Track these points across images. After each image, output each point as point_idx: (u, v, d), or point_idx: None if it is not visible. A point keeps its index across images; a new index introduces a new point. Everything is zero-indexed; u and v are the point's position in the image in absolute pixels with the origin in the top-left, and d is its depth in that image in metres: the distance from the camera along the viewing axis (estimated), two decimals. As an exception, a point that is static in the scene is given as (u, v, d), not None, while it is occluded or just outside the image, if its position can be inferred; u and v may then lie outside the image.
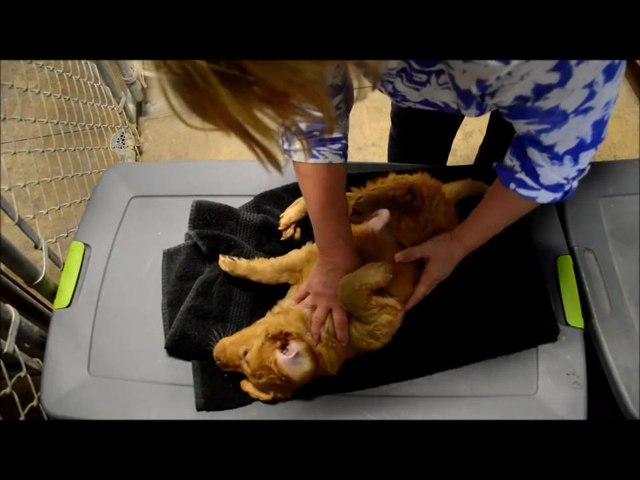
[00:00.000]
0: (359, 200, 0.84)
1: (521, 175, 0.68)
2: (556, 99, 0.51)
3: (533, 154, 0.64)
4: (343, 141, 0.80)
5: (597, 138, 0.60)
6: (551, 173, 0.65)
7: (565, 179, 0.66)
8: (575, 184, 0.69)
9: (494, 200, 0.76)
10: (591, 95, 0.52)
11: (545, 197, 0.69)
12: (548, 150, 0.61)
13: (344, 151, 0.81)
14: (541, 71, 0.48)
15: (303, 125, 0.77)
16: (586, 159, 0.63)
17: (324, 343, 0.82)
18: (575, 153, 0.61)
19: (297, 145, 0.78)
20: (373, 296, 0.81)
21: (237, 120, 0.38)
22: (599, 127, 0.58)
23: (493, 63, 0.49)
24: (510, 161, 0.69)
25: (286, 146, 0.80)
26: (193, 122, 0.39)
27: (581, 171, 0.66)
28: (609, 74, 0.50)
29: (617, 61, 0.50)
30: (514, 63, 0.48)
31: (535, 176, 0.66)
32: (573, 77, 0.48)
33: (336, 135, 0.79)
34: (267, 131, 0.40)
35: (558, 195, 0.69)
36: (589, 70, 0.48)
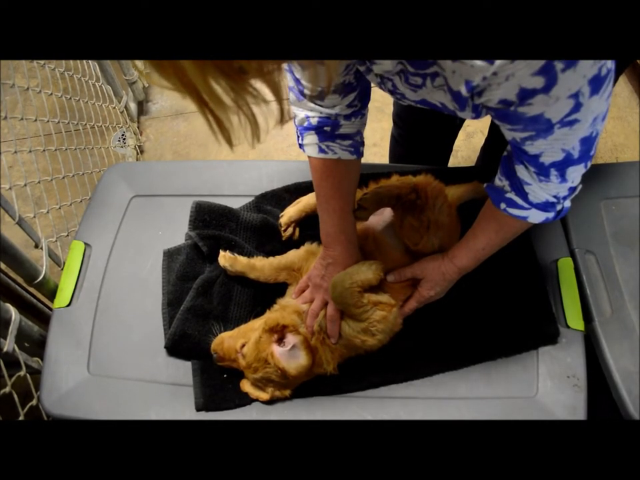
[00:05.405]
0: (365, 195, 0.84)
1: (511, 195, 0.68)
2: (540, 105, 0.51)
3: (521, 172, 0.64)
4: (356, 138, 0.80)
5: (585, 154, 0.59)
6: (539, 190, 0.65)
7: (555, 197, 0.66)
8: (567, 203, 0.69)
9: (486, 221, 0.76)
10: (577, 107, 0.51)
11: (536, 216, 0.69)
12: (534, 161, 0.61)
13: (356, 148, 0.80)
14: (526, 72, 0.47)
15: (310, 117, 0.77)
16: (574, 175, 0.63)
17: (316, 337, 0.83)
18: (561, 167, 0.60)
19: (308, 139, 0.78)
20: (365, 293, 0.81)
21: (193, 84, 0.37)
22: (587, 142, 0.58)
23: (478, 63, 0.48)
24: (499, 181, 0.70)
25: (299, 140, 0.80)
26: (154, 77, 0.38)
27: (572, 189, 0.66)
28: (596, 86, 0.49)
29: (604, 73, 0.49)
30: (498, 62, 0.47)
31: (523, 195, 0.66)
32: (558, 84, 0.48)
33: (348, 130, 0.78)
34: (219, 102, 0.39)
35: (550, 215, 0.69)
36: (574, 78, 0.48)
